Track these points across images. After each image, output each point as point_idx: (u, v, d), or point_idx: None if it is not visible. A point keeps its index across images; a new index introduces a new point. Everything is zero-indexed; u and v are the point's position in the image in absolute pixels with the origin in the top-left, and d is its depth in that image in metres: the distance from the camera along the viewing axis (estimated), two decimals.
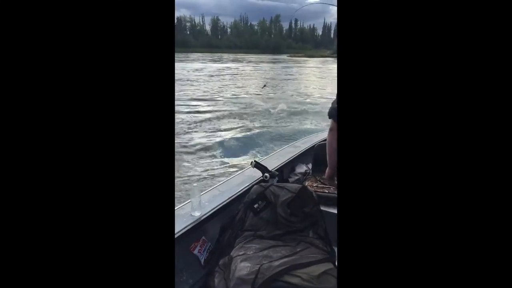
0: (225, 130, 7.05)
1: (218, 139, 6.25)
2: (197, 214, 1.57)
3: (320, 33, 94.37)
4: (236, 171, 2.69)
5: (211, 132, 6.85)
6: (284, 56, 53.05)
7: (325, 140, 2.60)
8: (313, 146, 2.41)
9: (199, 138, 6.37)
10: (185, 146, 5.75)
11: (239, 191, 1.81)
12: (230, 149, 5.75)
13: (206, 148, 5.69)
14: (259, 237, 1.59)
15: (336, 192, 1.83)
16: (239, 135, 6.64)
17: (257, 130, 7.01)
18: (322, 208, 1.65)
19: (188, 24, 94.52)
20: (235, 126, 7.33)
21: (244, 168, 2.17)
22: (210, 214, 1.61)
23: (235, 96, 11.42)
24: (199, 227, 1.54)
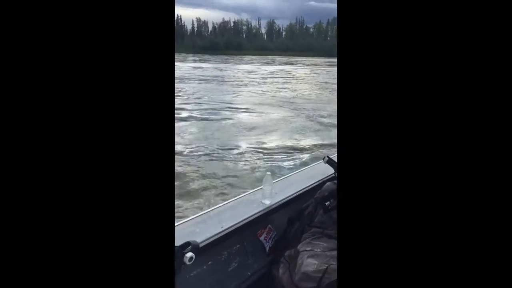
0: None
1: None
2: (267, 202, 1.57)
3: None
4: None
5: None
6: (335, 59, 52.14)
7: None
8: None
9: None
10: None
11: (309, 186, 1.77)
12: None
13: None
14: (327, 235, 1.55)
15: None
16: None
17: None
18: None
19: (244, 27, 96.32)
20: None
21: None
22: (280, 205, 1.59)
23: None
24: (267, 215, 1.54)
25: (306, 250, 1.43)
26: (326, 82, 17.87)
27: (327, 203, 1.58)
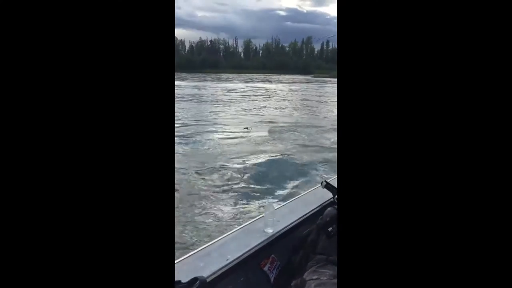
0: None
1: None
2: (270, 231, 1.54)
3: None
4: None
5: None
6: (309, 77, 53.41)
7: None
8: None
9: None
10: None
11: (310, 212, 1.75)
12: None
13: None
14: (332, 262, 1.52)
15: None
16: None
17: None
18: None
19: (221, 46, 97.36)
20: None
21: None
22: (282, 233, 1.56)
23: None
24: (270, 245, 1.50)
25: (312, 279, 1.40)
26: (306, 99, 18.08)
27: (329, 229, 1.56)
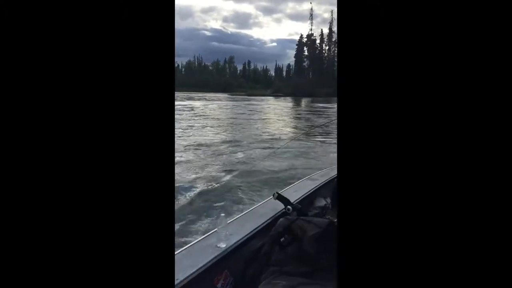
0: None
1: None
2: (223, 245, 1.49)
3: (273, 74, 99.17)
4: None
5: None
6: (226, 95, 54.43)
7: None
8: (333, 179, 2.37)
9: None
10: None
11: (262, 224, 1.73)
12: None
13: None
14: (286, 273, 1.52)
15: None
16: None
17: None
18: None
19: None
20: None
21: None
22: (235, 247, 1.53)
23: None
24: (224, 260, 1.46)
25: None
26: (235, 118, 18.13)
27: (281, 240, 1.56)
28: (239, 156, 7.44)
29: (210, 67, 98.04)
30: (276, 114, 20.72)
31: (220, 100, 37.70)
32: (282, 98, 50.56)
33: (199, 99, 36.98)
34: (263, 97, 51.45)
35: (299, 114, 21.52)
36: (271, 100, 40.33)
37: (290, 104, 33.93)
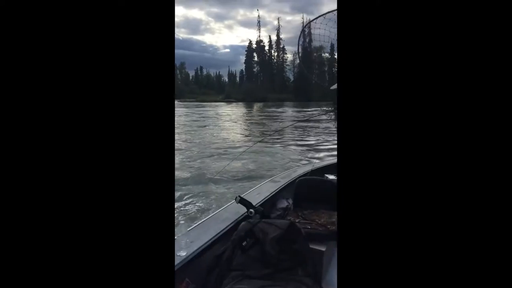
0: None
1: None
2: (183, 254, 1.45)
3: (227, 79, 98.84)
4: None
5: None
6: (176, 102, 53.46)
7: (305, 175, 2.62)
8: (294, 181, 2.39)
9: None
10: None
11: (224, 229, 1.71)
12: None
13: None
14: (248, 277, 1.51)
15: (318, 228, 1.85)
16: None
17: None
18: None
19: None
20: None
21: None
22: (196, 254, 1.49)
23: None
24: (184, 268, 1.42)
25: None
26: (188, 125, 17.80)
27: (243, 243, 1.56)
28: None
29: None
30: (230, 120, 20.68)
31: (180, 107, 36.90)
32: (234, 103, 50.67)
33: None
34: (216, 103, 51.25)
35: (253, 118, 21.58)
36: (223, 107, 40.17)
37: (244, 110, 34.01)
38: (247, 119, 21.34)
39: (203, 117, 22.47)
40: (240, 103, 51.37)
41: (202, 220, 1.81)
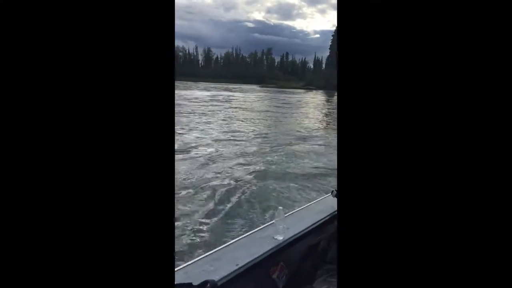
0: None
1: None
2: (280, 238, 1.48)
3: (312, 66, 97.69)
4: None
5: None
6: (256, 87, 54.15)
7: None
8: None
9: None
10: None
11: (320, 220, 1.71)
12: None
13: None
14: None
15: None
16: None
17: None
18: None
19: (180, 54, 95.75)
20: None
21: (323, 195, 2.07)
22: (292, 240, 1.51)
23: None
24: (280, 252, 1.46)
25: None
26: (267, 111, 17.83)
27: None
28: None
29: (248, 59, 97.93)
30: (312, 108, 20.28)
31: (246, 92, 37.34)
32: (314, 91, 49.64)
33: (223, 90, 36.83)
34: (294, 90, 50.88)
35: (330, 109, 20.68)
36: (302, 94, 39.51)
37: (323, 98, 33.06)
38: (323, 109, 20.64)
39: (282, 103, 22.41)
40: (320, 91, 50.14)
41: (298, 209, 1.82)
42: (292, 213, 1.77)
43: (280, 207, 1.51)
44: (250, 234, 1.51)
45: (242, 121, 12.27)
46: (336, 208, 1.82)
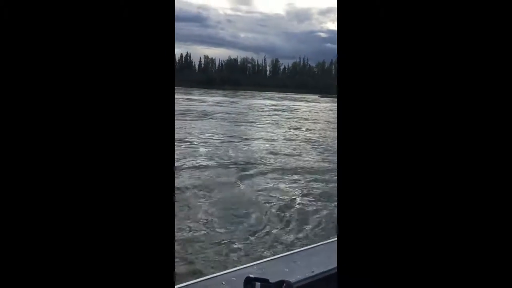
0: None
1: None
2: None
3: None
4: None
5: None
6: (316, 96, 53.86)
7: None
8: None
9: None
10: None
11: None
12: None
13: None
14: None
15: None
16: None
17: None
18: None
19: (249, 65, 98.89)
20: None
21: None
22: None
23: None
24: None
25: None
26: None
27: None
28: None
29: (315, 69, 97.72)
30: None
31: (308, 101, 37.14)
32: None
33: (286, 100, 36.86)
34: None
35: None
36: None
37: None
38: None
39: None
40: None
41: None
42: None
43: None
44: (329, 242, 1.52)
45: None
46: None
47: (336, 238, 1.46)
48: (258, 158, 8.19)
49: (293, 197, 6.19)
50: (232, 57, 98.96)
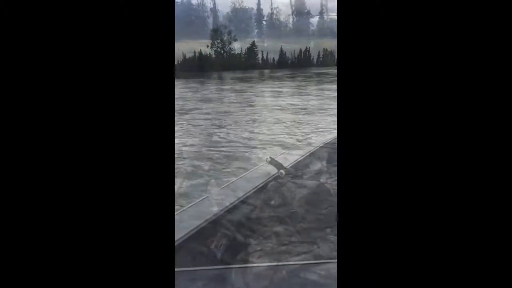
0: None
1: None
2: (215, 209, 1.58)
3: None
4: None
5: None
6: None
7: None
8: (329, 142, 2.37)
9: None
10: None
11: (254, 187, 1.80)
12: None
13: None
14: (276, 234, 1.60)
15: None
16: None
17: None
18: None
19: None
20: None
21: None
22: (227, 210, 1.62)
23: None
24: (216, 223, 1.56)
25: (256, 251, 1.50)
26: None
27: (272, 202, 1.64)
28: None
29: None
30: None
31: None
32: None
33: None
34: None
35: None
36: None
37: None
38: None
39: None
40: None
41: (233, 180, 1.93)
42: (228, 184, 1.88)
43: (213, 180, 1.62)
44: (185, 209, 1.61)
45: None
46: (270, 175, 1.92)
47: (190, 205, 1.60)
48: None
49: None
50: None
